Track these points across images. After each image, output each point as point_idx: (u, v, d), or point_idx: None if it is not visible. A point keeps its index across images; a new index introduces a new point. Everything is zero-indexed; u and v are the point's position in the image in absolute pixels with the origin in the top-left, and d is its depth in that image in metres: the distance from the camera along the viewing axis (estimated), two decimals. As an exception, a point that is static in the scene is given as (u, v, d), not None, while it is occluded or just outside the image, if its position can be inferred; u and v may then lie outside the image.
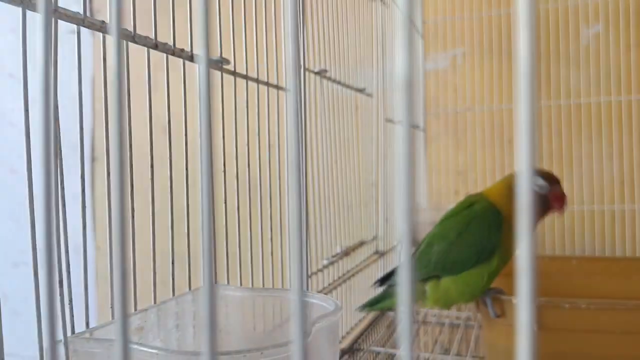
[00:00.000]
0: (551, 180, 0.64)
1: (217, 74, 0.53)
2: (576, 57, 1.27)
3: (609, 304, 0.56)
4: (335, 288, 0.77)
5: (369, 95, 0.96)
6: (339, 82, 0.82)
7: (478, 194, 0.67)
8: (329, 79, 0.78)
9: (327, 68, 0.79)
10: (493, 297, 0.60)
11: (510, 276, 0.84)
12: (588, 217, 1.26)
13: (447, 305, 0.64)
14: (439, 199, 1.39)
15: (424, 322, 0.99)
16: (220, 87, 0.54)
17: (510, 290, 0.80)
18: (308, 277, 0.67)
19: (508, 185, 0.64)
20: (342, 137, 0.88)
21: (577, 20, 1.27)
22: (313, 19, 0.77)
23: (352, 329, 0.91)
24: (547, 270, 0.80)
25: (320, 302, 0.41)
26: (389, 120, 1.02)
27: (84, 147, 0.45)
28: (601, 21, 1.26)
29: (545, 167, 1.30)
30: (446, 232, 0.63)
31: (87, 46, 1.39)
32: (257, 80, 0.58)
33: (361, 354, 0.88)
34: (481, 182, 1.35)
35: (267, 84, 0.60)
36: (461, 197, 1.38)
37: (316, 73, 0.74)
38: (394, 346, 0.90)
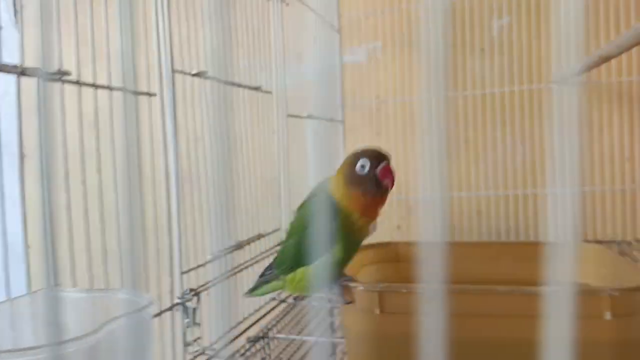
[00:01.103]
0: (376, 158, 0.64)
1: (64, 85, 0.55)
2: (489, 48, 1.32)
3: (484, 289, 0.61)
4: (222, 281, 0.80)
5: (268, 92, 0.99)
6: (226, 82, 0.84)
7: (323, 181, 0.69)
8: (214, 79, 0.81)
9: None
10: (343, 285, 0.63)
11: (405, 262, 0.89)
12: (502, 202, 1.31)
13: (306, 291, 0.68)
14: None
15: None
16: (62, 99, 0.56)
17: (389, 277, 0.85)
18: (182, 273, 0.70)
19: (340, 169, 0.65)
20: (237, 134, 0.90)
21: (488, 12, 1.32)
22: (192, 20, 0.80)
23: (262, 316, 0.95)
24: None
25: (133, 298, 0.44)
26: (291, 116, 1.05)
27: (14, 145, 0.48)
28: (511, 13, 1.31)
29: (459, 154, 1.35)
30: (295, 227, 0.66)
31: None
32: (109, 88, 0.60)
33: (267, 341, 0.91)
34: (401, 172, 1.40)
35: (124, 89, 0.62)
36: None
37: (194, 75, 0.76)
38: (301, 333, 0.94)
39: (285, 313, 1.01)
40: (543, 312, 0.20)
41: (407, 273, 0.85)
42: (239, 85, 0.88)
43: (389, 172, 0.64)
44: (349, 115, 1.43)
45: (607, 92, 1.24)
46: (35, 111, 0.49)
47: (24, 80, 0.51)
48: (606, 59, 0.88)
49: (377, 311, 0.60)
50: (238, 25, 0.90)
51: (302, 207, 0.69)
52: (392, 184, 0.64)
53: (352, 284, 0.63)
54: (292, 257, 0.65)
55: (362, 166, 0.64)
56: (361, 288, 0.62)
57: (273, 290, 0.70)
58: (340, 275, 0.65)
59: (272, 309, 0.99)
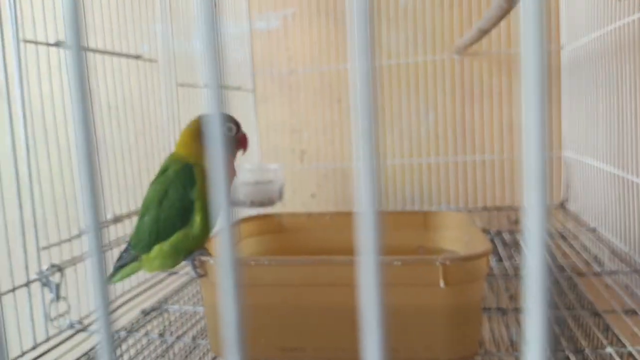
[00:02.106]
0: (237, 123, 0.69)
1: None
2: (395, 18, 1.32)
3: (285, 260, 0.62)
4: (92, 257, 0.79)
5: (153, 60, 0.96)
6: (97, 51, 0.82)
7: (172, 154, 0.69)
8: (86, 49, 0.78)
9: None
10: (197, 258, 0.64)
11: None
12: (408, 170, 1.34)
13: (164, 268, 0.68)
14: (276, 157, 1.44)
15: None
16: None
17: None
18: (40, 249, 0.68)
19: (193, 133, 0.66)
20: (120, 105, 0.88)
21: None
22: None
23: (160, 290, 0.95)
24: (304, 226, 0.86)
25: None
26: (183, 85, 1.03)
27: None
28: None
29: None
30: (150, 202, 0.66)
31: None
32: None
33: (159, 312, 0.92)
34: (314, 139, 1.41)
35: None
36: (296, 155, 1.45)
37: (52, 45, 0.73)
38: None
39: (184, 285, 1.01)
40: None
41: (289, 244, 0.86)
42: (112, 54, 0.86)
43: (246, 139, 0.71)
44: (260, 83, 1.42)
45: (497, 62, 1.27)
46: None
47: None
48: (484, 31, 0.90)
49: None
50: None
51: (156, 181, 0.68)
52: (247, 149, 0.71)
53: (204, 258, 0.64)
54: (149, 233, 0.65)
55: (230, 129, 0.68)
56: (212, 262, 0.62)
57: (132, 273, 0.69)
58: (199, 248, 0.66)
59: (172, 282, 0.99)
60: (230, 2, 1.32)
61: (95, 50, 0.82)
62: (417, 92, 1.32)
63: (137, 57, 0.91)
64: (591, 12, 0.99)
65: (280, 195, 1.24)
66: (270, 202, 1.20)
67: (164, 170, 0.67)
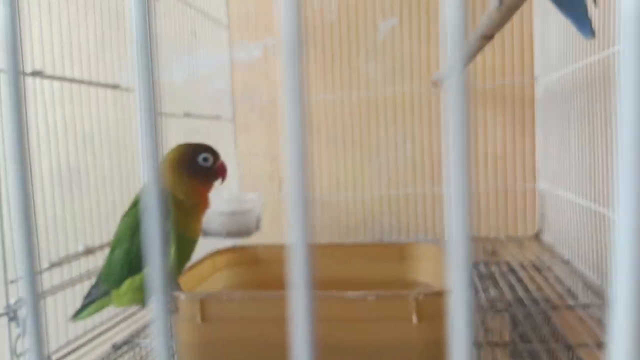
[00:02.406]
0: (215, 153, 0.69)
1: None
2: (373, 49, 1.34)
3: (256, 296, 0.61)
4: (64, 289, 0.78)
5: (130, 90, 0.96)
6: (74, 80, 0.81)
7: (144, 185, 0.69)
8: (54, 78, 0.78)
9: (56, 67, 0.78)
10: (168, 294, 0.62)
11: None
12: (385, 201, 1.35)
13: (135, 303, 0.66)
14: (255, 185, 1.44)
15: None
16: None
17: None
18: (8, 283, 0.67)
19: (171, 162, 0.66)
20: (97, 134, 0.88)
21: (373, 14, 1.34)
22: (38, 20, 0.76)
23: (131, 323, 0.93)
24: (279, 258, 0.85)
25: None
26: (162, 114, 1.03)
27: None
28: (398, 15, 1.33)
29: (346, 155, 1.37)
30: (122, 235, 0.65)
31: None
32: None
33: (130, 347, 0.89)
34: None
35: None
36: (275, 183, 1.45)
37: (29, 74, 0.73)
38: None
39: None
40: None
41: (264, 276, 0.85)
42: (89, 83, 0.85)
43: (225, 168, 0.70)
44: (240, 112, 1.42)
45: (482, 94, 1.29)
46: None
47: None
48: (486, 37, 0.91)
49: (199, 319, 0.60)
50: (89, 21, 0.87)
51: (128, 213, 0.67)
52: (225, 178, 0.71)
53: (175, 293, 0.63)
54: (120, 267, 0.64)
55: (205, 159, 0.67)
56: (183, 297, 0.61)
57: (101, 309, 0.68)
58: (172, 282, 0.65)
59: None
60: (210, 33, 1.33)
61: (72, 80, 0.82)
62: (395, 122, 1.34)
63: (115, 86, 0.91)
64: (563, 48, 1.02)
65: (257, 226, 1.23)
66: (247, 233, 1.19)
67: (137, 202, 0.66)
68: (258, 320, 0.60)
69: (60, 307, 0.77)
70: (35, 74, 0.74)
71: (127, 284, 0.64)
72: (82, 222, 0.84)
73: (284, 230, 1.43)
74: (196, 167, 0.66)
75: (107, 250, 0.87)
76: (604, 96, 0.84)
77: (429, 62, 1.31)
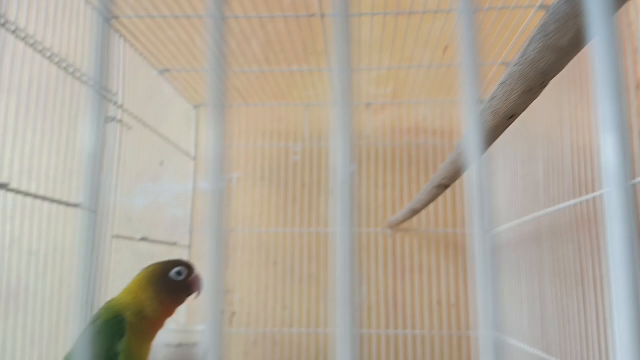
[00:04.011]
0: (190, 267, 0.69)
1: None
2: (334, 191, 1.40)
3: None
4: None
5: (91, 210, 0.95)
6: (38, 196, 0.81)
7: (110, 300, 0.68)
8: (17, 191, 0.77)
9: (25, 181, 0.78)
10: None
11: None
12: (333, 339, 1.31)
13: None
14: (204, 317, 1.38)
15: None
16: None
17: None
18: None
19: (144, 279, 0.66)
20: (47, 252, 0.85)
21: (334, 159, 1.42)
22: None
23: None
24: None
25: None
26: (119, 237, 1.01)
27: None
28: (356, 162, 1.42)
29: (302, 289, 1.36)
30: (75, 352, 0.61)
31: None
32: None
33: None
34: (247, 300, 1.38)
35: None
36: (226, 317, 1.40)
37: (-6, 186, 0.72)
38: None
39: None
40: None
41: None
42: (51, 200, 0.85)
43: (199, 281, 0.71)
44: (197, 240, 1.42)
45: (435, 240, 1.35)
46: None
47: None
48: (415, 211, 0.97)
49: None
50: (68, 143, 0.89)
51: (84, 331, 0.64)
52: (201, 291, 0.70)
53: None
54: None
55: (179, 273, 0.69)
56: None
57: None
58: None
59: None
60: (178, 163, 1.37)
61: (34, 196, 0.81)
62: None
63: (76, 205, 0.90)
64: (510, 202, 1.10)
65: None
66: (192, 368, 1.12)
67: (95, 319, 0.63)
68: None
69: None
70: (1, 186, 0.73)
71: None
72: (22, 342, 0.78)
73: (229, 368, 1.35)
74: (168, 282, 0.66)
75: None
76: (551, 248, 0.89)
77: (385, 208, 1.38)
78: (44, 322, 0.81)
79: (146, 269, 0.68)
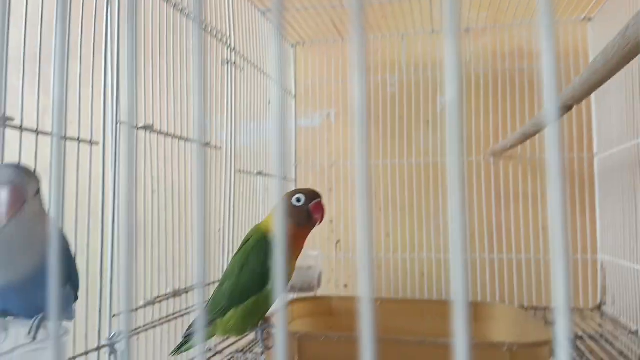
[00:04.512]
0: (310, 196, 0.72)
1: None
2: (433, 120, 1.42)
3: (353, 337, 0.64)
4: (155, 327, 0.82)
5: (218, 148, 1.04)
6: (174, 136, 0.89)
7: (258, 224, 0.74)
8: (160, 132, 0.85)
9: (165, 124, 0.86)
10: (266, 331, 0.66)
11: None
12: (443, 265, 1.37)
13: (236, 332, 0.70)
14: (314, 245, 1.48)
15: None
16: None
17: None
18: (112, 316, 0.71)
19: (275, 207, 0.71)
20: (181, 187, 0.94)
21: (433, 89, 1.42)
22: (153, 78, 0.85)
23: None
24: (353, 310, 0.88)
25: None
26: (240, 172, 1.10)
27: None
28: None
29: (401, 218, 1.41)
30: (232, 269, 0.70)
31: None
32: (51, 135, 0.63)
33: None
34: (351, 229, 1.45)
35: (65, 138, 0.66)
36: (332, 244, 1.48)
37: (141, 128, 0.81)
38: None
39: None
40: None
41: (339, 327, 0.88)
42: (187, 140, 0.93)
43: (320, 207, 0.73)
44: (301, 174, 1.49)
45: (541, 167, 1.33)
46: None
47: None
48: (527, 136, 0.97)
49: (296, 358, 0.62)
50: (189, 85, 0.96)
51: (237, 252, 0.72)
52: (322, 219, 0.73)
53: (274, 330, 0.66)
54: (227, 298, 0.68)
55: (298, 199, 0.72)
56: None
57: (205, 339, 0.72)
58: (265, 320, 0.68)
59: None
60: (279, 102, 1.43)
61: (166, 134, 0.90)
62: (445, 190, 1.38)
63: (206, 144, 0.98)
64: (623, 125, 1.07)
65: (319, 282, 1.26)
66: (309, 288, 1.22)
67: (246, 240, 0.71)
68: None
69: (150, 343, 0.81)
70: (147, 127, 0.82)
71: (230, 313, 0.68)
72: (171, 267, 0.89)
73: (339, 291, 1.45)
74: (291, 208, 0.70)
75: (190, 293, 0.92)
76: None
77: (488, 134, 1.37)
78: (188, 250, 0.91)
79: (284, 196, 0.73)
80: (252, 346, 1.03)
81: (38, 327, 0.49)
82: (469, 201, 1.37)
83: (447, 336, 0.78)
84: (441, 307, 0.87)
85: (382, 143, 1.45)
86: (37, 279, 0.49)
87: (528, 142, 1.31)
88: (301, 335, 0.64)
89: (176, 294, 0.88)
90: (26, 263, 0.50)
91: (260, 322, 0.68)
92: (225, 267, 0.78)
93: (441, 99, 1.42)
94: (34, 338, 0.48)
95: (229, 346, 0.98)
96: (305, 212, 0.71)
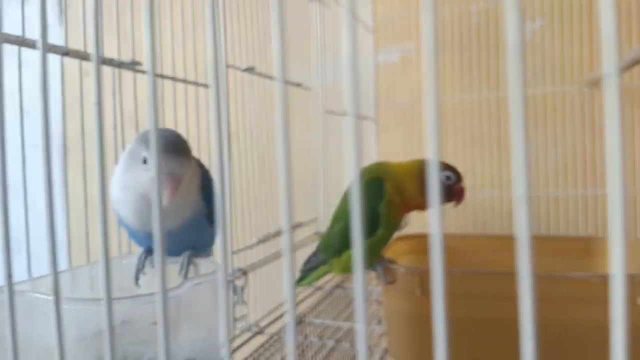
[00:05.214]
0: (458, 175, 0.70)
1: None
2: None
3: (478, 272, 0.64)
4: (267, 264, 0.85)
5: (308, 89, 1.03)
6: (270, 78, 0.89)
7: (373, 164, 0.73)
8: (260, 74, 0.86)
9: (259, 65, 0.86)
10: (385, 267, 0.67)
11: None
12: (534, 202, 1.33)
13: (350, 272, 0.72)
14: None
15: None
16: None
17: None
18: (232, 253, 0.74)
19: (418, 169, 0.69)
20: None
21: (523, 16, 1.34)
22: (246, 19, 0.85)
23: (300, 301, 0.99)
24: (458, 247, 0.88)
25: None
26: (328, 112, 1.09)
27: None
28: (544, 16, 1.33)
29: (488, 153, 1.38)
30: (340, 212, 0.70)
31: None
32: (172, 78, 0.65)
33: (305, 325, 0.96)
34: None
35: (185, 81, 0.67)
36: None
37: (244, 70, 0.81)
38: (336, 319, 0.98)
39: (321, 300, 1.05)
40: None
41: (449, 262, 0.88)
42: (287, 82, 0.93)
43: (463, 193, 0.71)
44: (382, 114, 1.47)
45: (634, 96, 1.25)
46: (77, 106, 0.55)
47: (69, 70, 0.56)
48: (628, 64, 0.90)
49: (418, 292, 0.63)
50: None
51: (344, 196, 0.73)
52: (461, 202, 0.71)
53: (393, 266, 0.67)
54: (340, 239, 0.69)
55: (448, 177, 0.70)
56: (402, 270, 0.65)
57: (322, 275, 0.74)
58: (381, 257, 0.69)
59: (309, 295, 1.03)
60: (358, 37, 1.39)
61: (265, 76, 0.89)
62: (545, 123, 1.33)
63: (299, 84, 0.98)
64: None
65: (405, 222, 1.27)
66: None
67: (362, 180, 0.72)
68: (477, 297, 0.63)
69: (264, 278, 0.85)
70: (249, 69, 0.82)
71: (347, 254, 0.69)
72: (273, 210, 0.91)
73: (425, 225, 1.45)
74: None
75: (297, 231, 0.94)
76: None
77: (582, 63, 1.29)
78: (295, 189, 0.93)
79: (424, 160, 0.70)
80: (344, 282, 1.06)
81: (188, 264, 0.52)
82: (560, 134, 1.31)
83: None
84: (553, 243, 0.86)
85: (467, 76, 1.39)
86: (189, 225, 0.53)
87: (634, 70, 1.23)
88: (423, 270, 0.65)
89: (279, 232, 0.91)
90: (182, 214, 0.53)
91: (377, 260, 0.70)
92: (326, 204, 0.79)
93: (528, 26, 1.34)
94: (185, 276, 0.52)
95: (327, 282, 1.01)
96: (448, 193, 0.70)
